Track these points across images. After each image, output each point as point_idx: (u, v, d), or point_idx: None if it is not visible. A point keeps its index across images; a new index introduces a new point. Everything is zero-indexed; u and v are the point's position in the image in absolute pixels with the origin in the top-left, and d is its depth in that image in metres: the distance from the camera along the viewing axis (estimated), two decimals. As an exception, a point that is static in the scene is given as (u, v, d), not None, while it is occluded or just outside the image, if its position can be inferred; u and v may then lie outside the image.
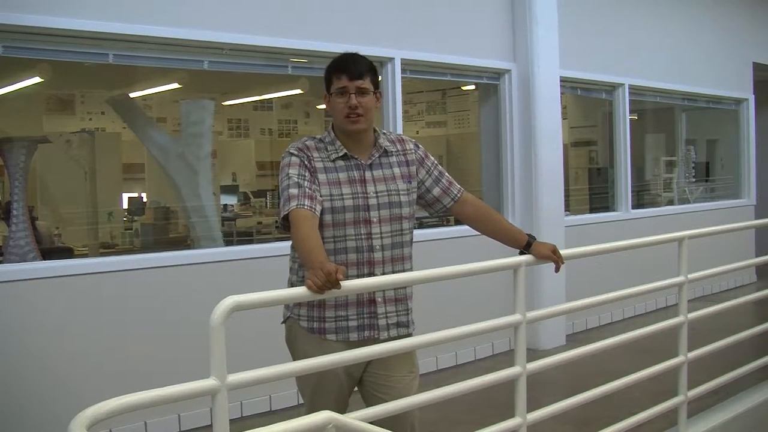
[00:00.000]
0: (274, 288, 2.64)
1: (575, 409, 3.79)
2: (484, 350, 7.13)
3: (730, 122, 11.44)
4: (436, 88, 11.72)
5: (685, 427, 4.50)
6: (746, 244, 10.56)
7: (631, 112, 9.16)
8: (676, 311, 4.51)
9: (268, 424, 2.23)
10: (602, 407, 4.28)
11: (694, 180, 11.35)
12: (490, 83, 7.58)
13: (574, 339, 7.68)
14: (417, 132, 12.17)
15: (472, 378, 3.24)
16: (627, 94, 8.99)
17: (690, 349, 4.48)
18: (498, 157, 7.63)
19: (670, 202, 10.63)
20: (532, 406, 3.41)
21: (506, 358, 5.41)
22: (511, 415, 3.34)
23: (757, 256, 9.49)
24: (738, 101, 11.21)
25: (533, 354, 3.54)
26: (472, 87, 9.38)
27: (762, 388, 5.44)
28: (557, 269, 3.43)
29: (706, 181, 11.80)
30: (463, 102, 11.63)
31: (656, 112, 11.29)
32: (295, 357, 3.15)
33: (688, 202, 10.77)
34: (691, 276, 4.49)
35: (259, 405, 5.54)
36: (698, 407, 4.92)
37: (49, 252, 6.18)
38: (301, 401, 3.38)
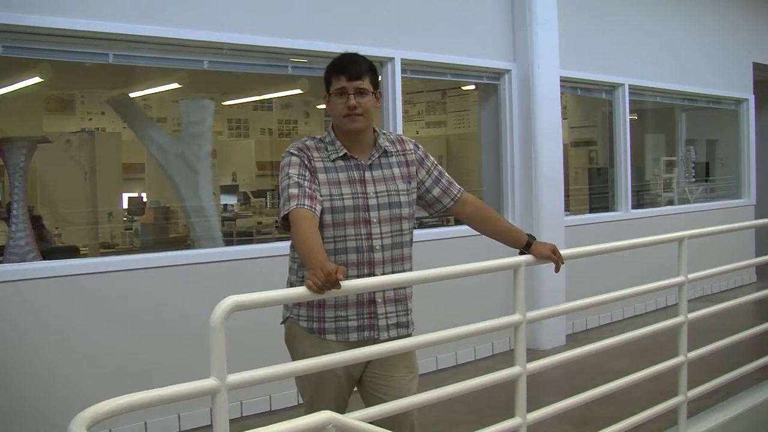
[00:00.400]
0: (274, 288, 2.64)
1: (575, 409, 3.79)
2: (484, 350, 7.13)
3: (730, 122, 11.44)
4: (436, 88, 11.72)
5: (685, 427, 4.49)
6: (746, 244, 10.56)
7: (631, 112, 9.16)
8: (676, 311, 4.51)
9: (268, 424, 2.23)
10: (602, 407, 4.29)
11: (694, 180, 11.35)
12: (490, 83, 7.58)
13: (574, 339, 7.68)
14: (417, 132, 12.18)
15: (472, 378, 3.24)
16: (627, 94, 8.99)
17: (690, 349, 4.47)
18: (498, 157, 7.63)
19: (670, 202, 10.63)
20: (532, 406, 3.41)
21: (506, 358, 5.41)
22: (511, 415, 3.34)
23: (757, 256, 9.50)
24: (738, 101, 11.21)
25: (533, 354, 3.53)
26: (472, 87, 9.39)
27: (762, 388, 5.44)
28: (557, 269, 3.42)
29: (706, 181, 11.80)
30: (463, 102, 11.63)
31: (656, 112, 11.29)
32: (295, 357, 3.15)
33: (688, 202, 10.77)
34: (691, 276, 4.48)
35: (259, 405, 5.54)
36: (698, 407, 4.92)
37: (56, 251, 6.21)
38: (301, 401, 3.38)
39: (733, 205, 10.95)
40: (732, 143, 11.53)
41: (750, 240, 10.76)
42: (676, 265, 4.49)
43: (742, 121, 11.32)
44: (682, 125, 11.46)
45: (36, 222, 6.65)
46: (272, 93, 11.20)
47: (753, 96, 11.32)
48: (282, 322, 3.28)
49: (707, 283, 9.54)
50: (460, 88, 10.69)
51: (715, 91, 10.59)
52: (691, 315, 4.48)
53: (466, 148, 10.74)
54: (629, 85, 8.99)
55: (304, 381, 3.21)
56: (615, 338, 4.05)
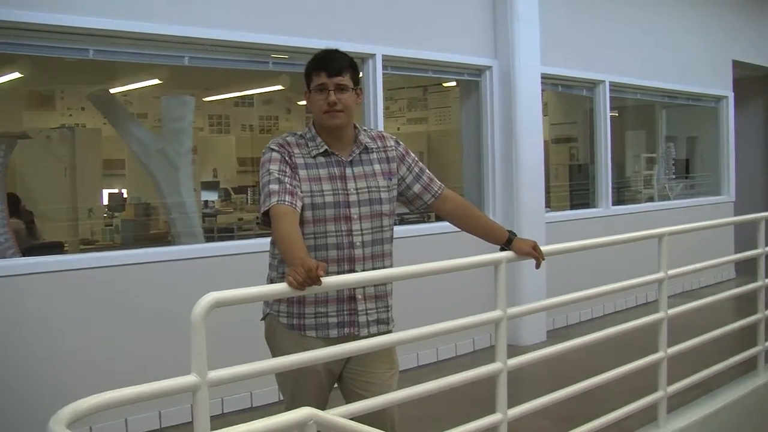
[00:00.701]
0: (254, 284, 2.64)
1: (556, 405, 3.81)
2: (464, 346, 7.14)
3: (709, 119, 11.50)
4: (417, 84, 11.71)
5: (665, 422, 4.52)
6: (725, 241, 10.62)
7: (612, 108, 9.19)
8: (656, 307, 4.54)
9: (249, 421, 2.23)
10: (583, 403, 4.30)
11: (674, 177, 11.40)
12: (471, 80, 7.58)
13: (554, 335, 7.70)
14: (398, 128, 12.16)
15: (452, 374, 3.25)
16: (608, 91, 9.01)
17: (670, 345, 4.50)
18: (479, 154, 7.64)
19: (651, 199, 10.68)
20: (512, 402, 3.42)
21: (487, 354, 5.41)
22: (492, 411, 3.35)
23: (736, 252, 9.56)
24: (718, 98, 11.28)
25: (514, 350, 3.55)
26: (453, 84, 9.38)
27: (741, 384, 5.48)
28: (538, 266, 3.44)
29: (686, 177, 11.86)
30: (444, 98, 11.62)
31: (637, 109, 11.34)
32: (275, 354, 3.15)
33: (668, 199, 10.81)
34: (670, 272, 4.51)
35: (240, 401, 5.53)
36: (678, 403, 4.95)
37: (43, 247, 6.21)
38: (282, 398, 3.37)
39: (713, 202, 11.01)
40: (712, 140, 11.59)
41: (729, 237, 10.82)
42: (656, 262, 4.51)
43: (721, 119, 11.39)
44: (662, 122, 11.53)
45: (26, 217, 6.64)
46: (253, 89, 11.17)
47: (732, 93, 11.39)
48: (262, 319, 3.27)
49: (687, 279, 9.58)
50: (441, 84, 10.69)
51: (695, 88, 10.65)
52: (671, 311, 4.51)
53: (447, 145, 10.73)
54: (610, 82, 9.02)
55: (284, 377, 3.21)
56: (595, 334, 4.08)
